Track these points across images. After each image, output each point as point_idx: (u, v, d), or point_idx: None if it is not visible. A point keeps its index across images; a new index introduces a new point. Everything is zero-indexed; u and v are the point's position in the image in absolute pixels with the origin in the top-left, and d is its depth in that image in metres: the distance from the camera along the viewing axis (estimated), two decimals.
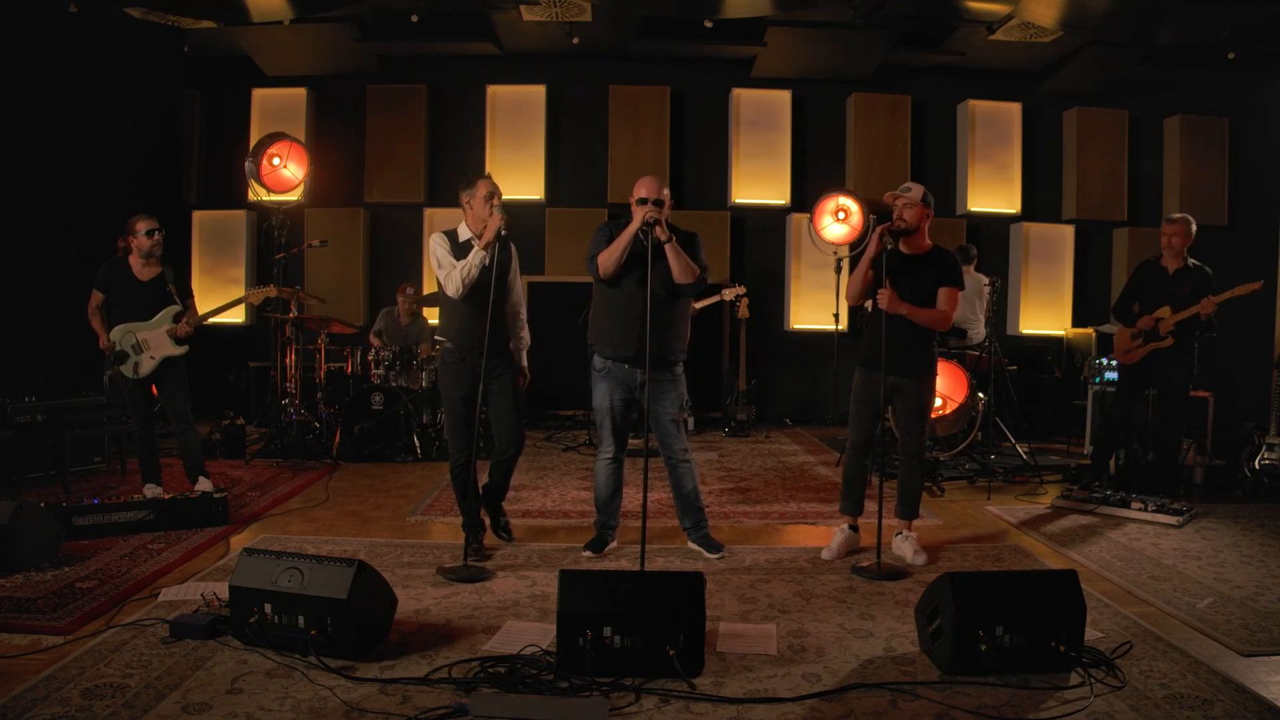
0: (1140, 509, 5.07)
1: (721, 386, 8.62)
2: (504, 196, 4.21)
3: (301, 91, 9.13)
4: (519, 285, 4.40)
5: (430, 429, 7.06)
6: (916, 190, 4.14)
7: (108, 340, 5.11)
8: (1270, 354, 7.18)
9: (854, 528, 4.38)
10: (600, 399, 4.23)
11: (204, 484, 5.21)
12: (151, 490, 5.09)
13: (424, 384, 6.94)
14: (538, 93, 9.19)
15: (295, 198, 8.32)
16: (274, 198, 8.06)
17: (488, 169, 8.93)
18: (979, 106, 9.35)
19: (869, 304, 4.20)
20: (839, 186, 8.80)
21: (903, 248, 4.16)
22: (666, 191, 4.08)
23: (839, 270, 8.02)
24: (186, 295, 5.31)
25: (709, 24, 8.02)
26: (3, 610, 3.31)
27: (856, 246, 8.05)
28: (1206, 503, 5.56)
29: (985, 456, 6.33)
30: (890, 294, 4.05)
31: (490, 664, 2.92)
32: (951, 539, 4.71)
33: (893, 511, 4.41)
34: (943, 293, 4.14)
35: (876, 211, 8.13)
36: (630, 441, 4.47)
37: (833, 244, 8.29)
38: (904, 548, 4.29)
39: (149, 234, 5.08)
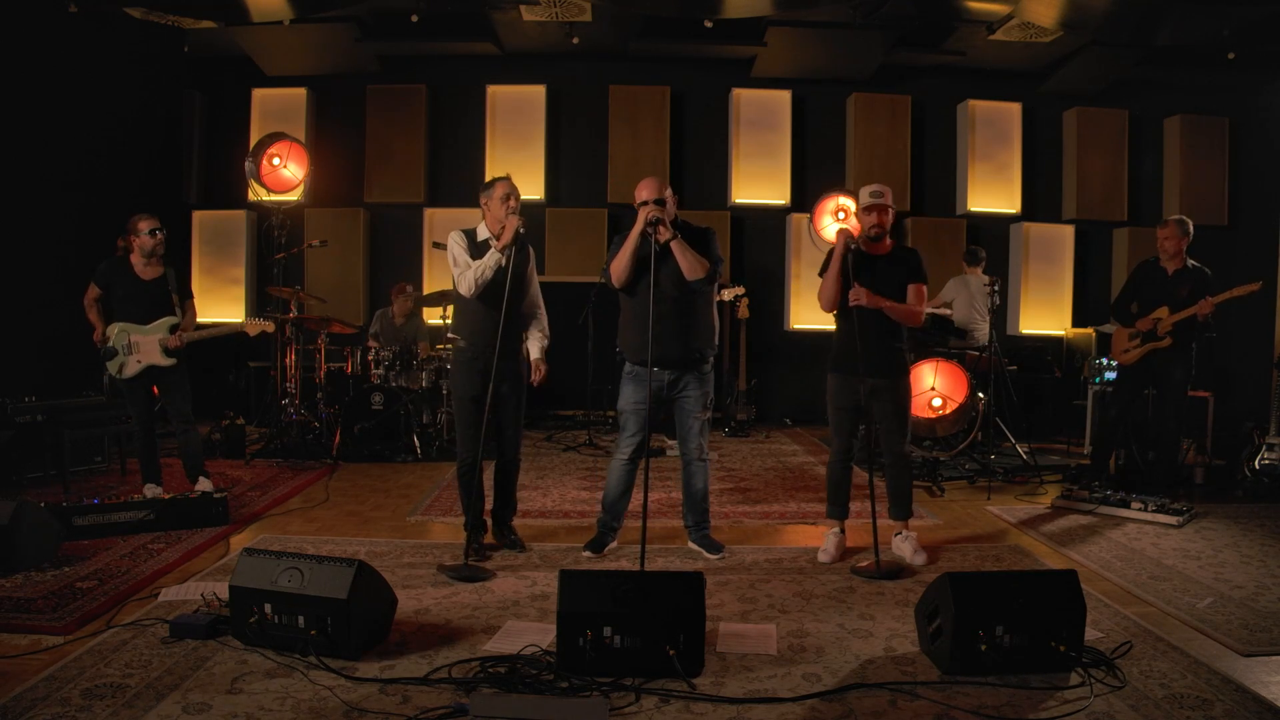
0: (1140, 509, 5.07)
1: (721, 387, 8.61)
2: None
3: (301, 91, 9.13)
4: (535, 285, 4.42)
5: (430, 429, 7.06)
6: (888, 193, 4.25)
7: (104, 334, 5.12)
8: (1270, 354, 7.17)
9: (842, 530, 4.39)
10: (624, 401, 4.27)
11: (204, 484, 5.21)
12: (151, 490, 5.09)
13: (424, 384, 6.93)
14: (538, 93, 9.19)
15: (295, 198, 8.33)
16: (274, 198, 8.06)
17: (488, 169, 8.94)
18: (979, 106, 9.34)
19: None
20: (839, 186, 8.81)
21: (865, 248, 4.26)
22: (669, 191, 4.09)
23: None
24: (187, 295, 5.31)
25: (709, 24, 8.02)
26: (3, 610, 3.31)
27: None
28: (1206, 503, 5.56)
29: (985, 456, 6.33)
30: (867, 291, 4.11)
31: (490, 664, 2.92)
32: (951, 539, 4.71)
33: (886, 513, 4.39)
34: (913, 289, 4.24)
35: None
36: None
37: (832, 244, 8.26)
38: (903, 547, 4.29)
39: (151, 233, 5.09)
